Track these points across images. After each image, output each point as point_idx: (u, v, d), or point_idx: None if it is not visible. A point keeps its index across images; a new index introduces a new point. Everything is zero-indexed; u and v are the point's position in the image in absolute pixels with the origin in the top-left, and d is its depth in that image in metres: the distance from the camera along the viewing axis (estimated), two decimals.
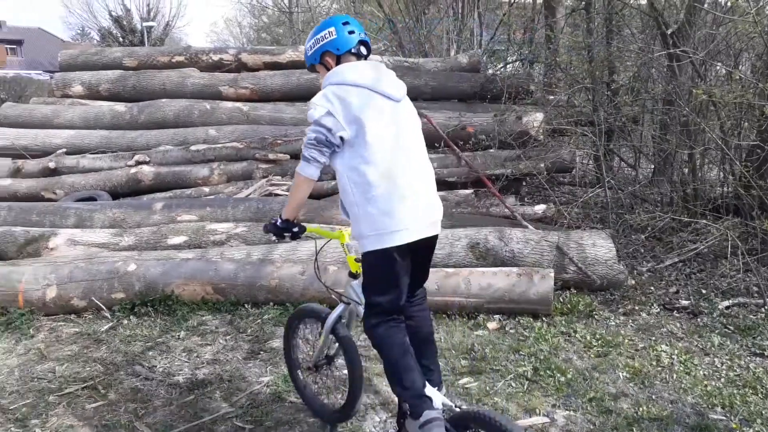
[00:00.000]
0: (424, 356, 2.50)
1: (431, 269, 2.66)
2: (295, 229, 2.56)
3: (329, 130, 2.27)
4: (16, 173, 6.41)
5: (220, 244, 4.91)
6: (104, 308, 4.19)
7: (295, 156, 6.36)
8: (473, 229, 4.71)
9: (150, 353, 3.66)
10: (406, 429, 2.34)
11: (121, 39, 37.35)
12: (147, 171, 6.15)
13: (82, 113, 6.96)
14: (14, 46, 40.97)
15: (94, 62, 7.58)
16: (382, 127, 2.29)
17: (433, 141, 6.62)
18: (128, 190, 6.17)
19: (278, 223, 2.54)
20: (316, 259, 2.90)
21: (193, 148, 6.38)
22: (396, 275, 2.31)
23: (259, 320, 4.10)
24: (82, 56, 7.75)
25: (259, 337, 3.86)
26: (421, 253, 2.40)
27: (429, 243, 2.42)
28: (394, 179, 2.27)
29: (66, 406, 3.06)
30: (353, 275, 2.67)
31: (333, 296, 2.90)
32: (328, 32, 2.43)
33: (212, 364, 3.52)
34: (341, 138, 2.27)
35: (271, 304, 4.27)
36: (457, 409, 2.29)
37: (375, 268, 2.34)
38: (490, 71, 8.73)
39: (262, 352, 3.66)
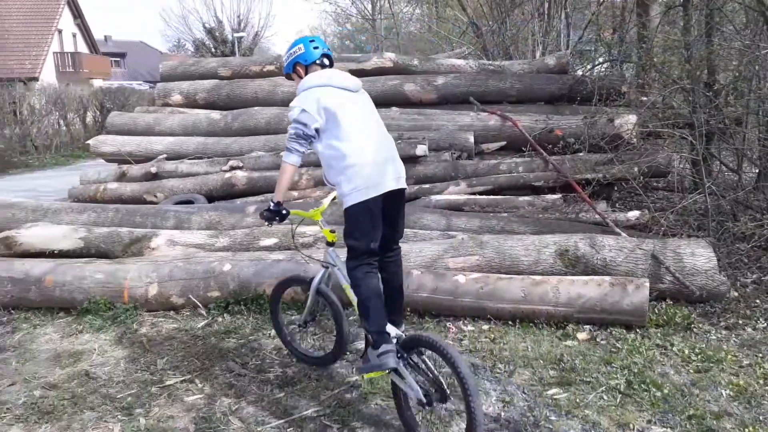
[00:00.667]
0: (391, 301, 3.07)
1: (518, 276, 3.04)
2: (284, 212, 3.12)
3: (305, 125, 2.88)
4: (121, 177, 6.89)
5: (308, 246, 5.06)
6: (200, 306, 4.43)
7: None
8: (562, 236, 4.58)
9: (243, 350, 3.82)
10: (367, 356, 2.89)
11: (213, 49, 39.30)
12: (240, 176, 6.44)
13: (181, 121, 7.38)
14: (118, 59, 44.01)
15: (191, 72, 8.03)
16: (346, 111, 2.91)
17: (519, 144, 6.52)
18: (223, 194, 6.48)
19: (272, 207, 3.08)
20: (293, 235, 3.86)
21: (282, 154, 6.60)
22: (370, 223, 2.88)
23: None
24: (181, 67, 8.23)
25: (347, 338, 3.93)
26: (390, 205, 2.94)
27: (396, 196, 2.97)
28: (363, 148, 2.87)
29: (167, 398, 3.26)
30: (330, 244, 3.29)
31: (313, 263, 3.75)
32: (298, 48, 3.13)
33: (301, 363, 3.63)
34: (316, 129, 2.89)
35: None
36: (404, 335, 2.90)
37: (354, 218, 2.89)
38: (579, 72, 8.46)
39: (350, 353, 3.73)
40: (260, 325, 4.17)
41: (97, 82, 28.78)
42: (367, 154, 2.86)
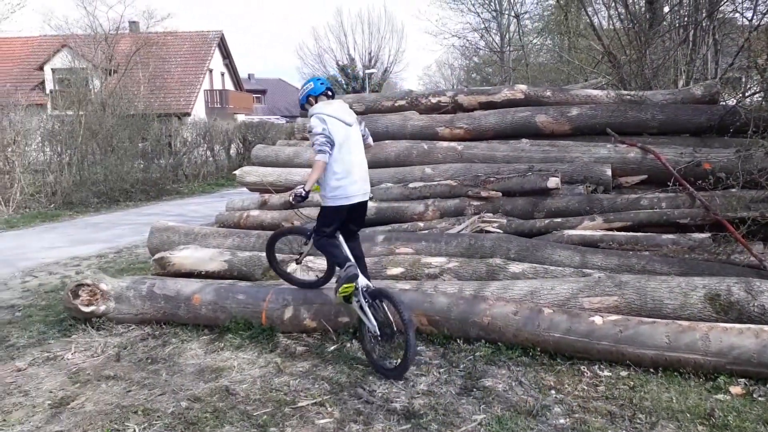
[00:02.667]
0: (358, 264, 4.18)
1: (661, 321, 3.37)
2: (309, 198, 4.09)
3: (328, 135, 3.97)
4: (262, 205, 7.36)
5: (433, 278, 5.07)
6: (331, 330, 4.57)
7: (507, 193, 6.34)
8: (712, 279, 4.19)
9: (370, 377, 3.87)
10: (338, 275, 4.12)
11: (345, 85, 41.27)
12: (370, 206, 6.60)
13: None
14: (259, 95, 47.58)
15: None
16: (341, 140, 4.03)
17: (661, 178, 6.11)
18: None
19: (304, 194, 3.96)
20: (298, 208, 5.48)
21: (411, 185, 6.72)
22: (334, 220, 4.17)
23: (471, 356, 4.10)
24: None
25: (471, 374, 3.86)
26: (355, 211, 4.20)
27: (361, 205, 4.23)
28: (348, 170, 4.06)
29: (299, 419, 3.37)
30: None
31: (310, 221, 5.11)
32: (309, 85, 4.27)
33: (427, 396, 3.60)
34: (322, 143, 3.96)
35: (483, 341, 4.25)
36: (372, 286, 4.08)
37: (325, 214, 4.21)
38: (731, 101, 7.80)
39: (475, 390, 3.65)
40: (387, 354, 4.21)
41: (240, 117, 31.28)
42: (349, 175, 4.07)
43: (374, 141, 7.79)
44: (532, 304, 4.26)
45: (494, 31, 28.28)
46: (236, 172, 8.18)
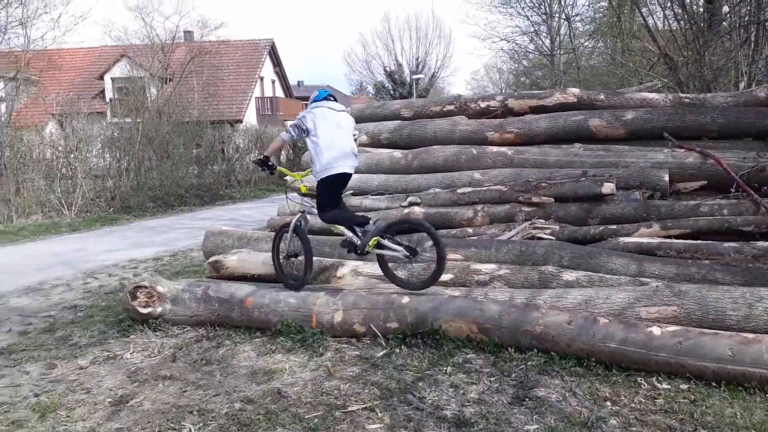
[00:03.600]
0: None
1: (724, 332, 3.75)
2: (270, 164, 5.11)
3: (304, 122, 4.82)
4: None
5: (483, 284, 5.01)
6: (380, 335, 4.57)
7: (560, 199, 6.23)
8: None
9: (420, 384, 3.85)
10: (364, 239, 4.77)
11: (392, 91, 41.47)
12: (418, 211, 6.62)
13: (366, 159, 7.81)
14: (308, 102, 48.19)
15: (377, 114, 8.50)
16: (328, 123, 4.82)
17: (723, 185, 5.89)
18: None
19: (261, 158, 5.07)
20: (286, 190, 5.70)
21: (459, 190, 6.68)
22: (331, 191, 4.89)
23: (523, 365, 4.03)
24: (368, 109, 8.77)
25: (524, 383, 3.79)
26: (341, 182, 4.89)
27: (346, 175, 4.89)
28: (334, 147, 4.75)
29: (350, 423, 3.38)
30: (303, 194, 5.21)
31: (295, 208, 5.42)
32: (315, 95, 5.17)
33: (478, 404, 3.56)
34: (307, 129, 4.80)
35: (535, 350, 4.17)
36: (382, 224, 4.84)
37: (323, 188, 4.88)
38: None
39: (527, 399, 3.58)
40: (437, 361, 4.18)
41: (290, 123, 31.82)
42: (335, 150, 4.77)
43: (422, 146, 7.88)
44: (587, 314, 4.16)
45: (544, 34, 27.88)
46: (287, 177, 8.31)
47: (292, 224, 5.08)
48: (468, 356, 4.24)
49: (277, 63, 33.85)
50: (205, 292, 5.19)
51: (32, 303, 6.51)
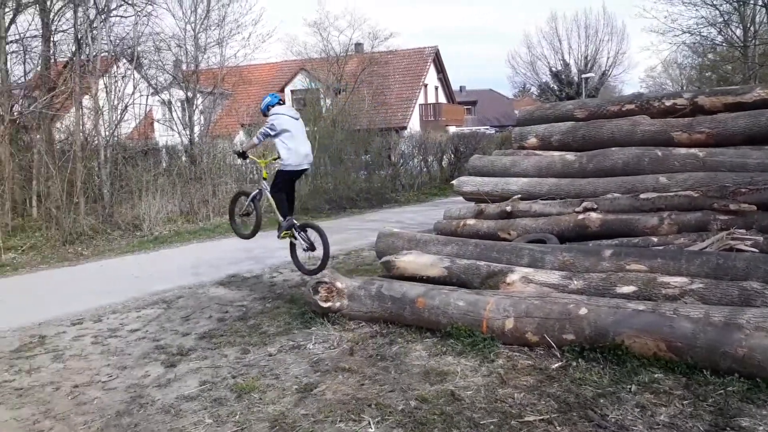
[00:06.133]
0: (290, 208, 6.48)
1: None
2: (246, 156, 6.78)
3: (272, 129, 6.02)
4: (479, 215, 7.42)
5: (672, 299, 4.59)
6: (554, 346, 4.40)
7: (763, 207, 5.52)
8: None
9: (601, 401, 3.64)
10: (281, 227, 6.41)
11: (558, 92, 39.89)
12: (594, 218, 6.28)
13: (536, 163, 7.60)
14: (470, 106, 48.20)
15: (547, 116, 8.23)
16: (289, 128, 6.04)
17: None
18: (574, 235, 6.39)
19: (241, 151, 6.77)
20: (260, 180, 6.89)
21: (642, 196, 6.21)
22: (284, 181, 6.29)
23: (722, 390, 3.63)
24: (538, 111, 8.52)
25: (723, 410, 3.41)
26: (297, 174, 6.35)
27: (302, 171, 6.39)
28: (296, 150, 6.06)
29: None
30: (264, 179, 6.71)
31: (258, 186, 6.80)
32: (267, 99, 6.33)
33: (669, 428, 3.27)
34: (275, 134, 6.01)
35: (736, 375, 3.73)
36: (297, 222, 6.41)
37: (279, 177, 6.25)
38: None
39: (728, 429, 3.22)
40: (618, 378, 3.92)
41: (452, 129, 32.03)
42: (295, 149, 6.07)
43: (598, 148, 7.46)
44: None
45: (735, 23, 24.90)
46: (453, 182, 8.38)
47: (252, 194, 6.68)
48: (655, 376, 3.91)
49: (440, 69, 34.29)
50: (378, 290, 5.40)
51: (228, 293, 7.27)
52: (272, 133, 6.02)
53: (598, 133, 7.47)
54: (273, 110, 6.16)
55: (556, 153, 7.72)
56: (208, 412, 3.87)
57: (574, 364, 4.19)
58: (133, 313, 6.56)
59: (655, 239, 5.85)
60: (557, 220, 6.61)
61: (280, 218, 6.38)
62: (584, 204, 6.48)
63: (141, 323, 6.11)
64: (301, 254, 6.44)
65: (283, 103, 6.41)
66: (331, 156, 16.84)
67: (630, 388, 3.76)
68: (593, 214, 6.33)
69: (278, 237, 6.51)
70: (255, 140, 6.36)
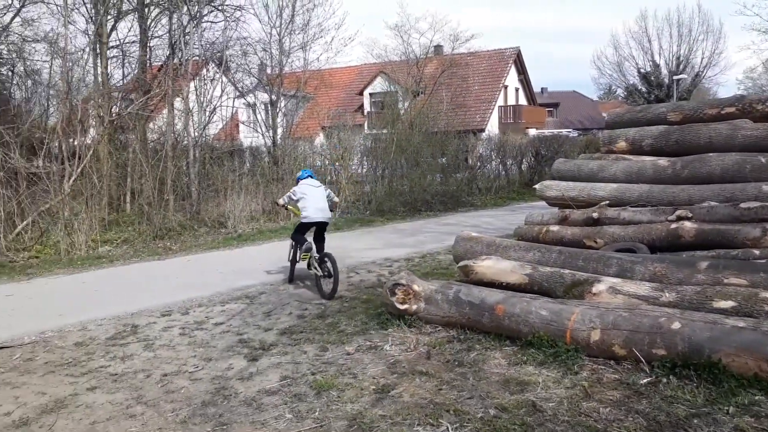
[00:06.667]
0: (318, 246, 7.55)
1: None
2: (284, 205, 7.82)
3: (294, 194, 7.49)
4: (563, 221, 7.19)
5: (726, 313, 4.26)
6: (643, 361, 4.18)
7: None
8: None
9: (695, 421, 3.41)
10: (299, 254, 7.74)
11: (646, 94, 38.07)
12: (688, 227, 5.93)
13: (625, 168, 7.28)
14: (551, 109, 46.89)
15: (638, 119, 7.87)
16: (310, 193, 7.43)
17: None
18: (666, 245, 6.06)
19: (279, 204, 7.89)
20: (287, 208, 7.97)
21: (742, 205, 5.81)
22: (304, 230, 7.59)
23: None
24: (628, 114, 8.16)
25: None
26: (319, 227, 7.53)
27: (321, 223, 7.47)
28: (313, 207, 7.37)
29: None
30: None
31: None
32: (300, 173, 8.01)
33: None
34: (297, 198, 7.46)
35: None
36: (318, 255, 7.36)
37: (300, 226, 7.56)
38: None
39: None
40: (714, 398, 3.67)
41: (532, 131, 31.30)
42: (312, 209, 7.29)
43: (694, 153, 7.05)
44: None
45: None
46: (536, 186, 8.17)
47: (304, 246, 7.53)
48: (756, 398, 3.63)
49: (521, 71, 33.56)
50: (456, 295, 5.33)
51: (306, 291, 7.43)
52: (294, 198, 7.49)
53: (694, 137, 7.07)
54: (301, 182, 7.68)
55: (648, 158, 7.36)
56: (288, 407, 3.95)
57: (665, 380, 3.96)
58: (217, 306, 6.83)
59: (756, 252, 5.46)
60: (648, 229, 6.29)
61: (296, 251, 7.78)
62: (678, 212, 6.13)
63: (225, 317, 6.35)
64: (322, 281, 7.21)
65: (314, 178, 7.88)
66: (408, 158, 16.86)
67: (727, 410, 3.51)
68: (687, 223, 5.97)
69: (298, 259, 7.71)
70: (285, 199, 7.70)
